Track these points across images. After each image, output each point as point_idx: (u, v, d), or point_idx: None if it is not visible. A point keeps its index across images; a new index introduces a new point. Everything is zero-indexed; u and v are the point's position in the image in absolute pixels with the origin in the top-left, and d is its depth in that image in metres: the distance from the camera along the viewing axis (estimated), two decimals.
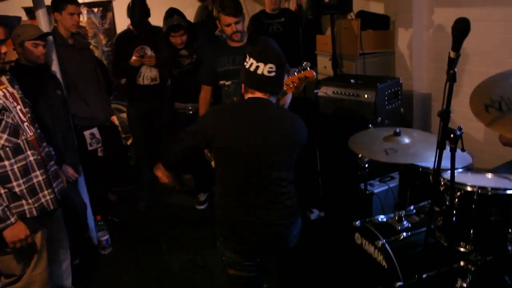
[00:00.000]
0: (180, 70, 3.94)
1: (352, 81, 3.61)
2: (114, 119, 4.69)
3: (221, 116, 2.13)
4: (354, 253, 2.56)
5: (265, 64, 2.06)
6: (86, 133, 3.61)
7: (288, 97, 3.06)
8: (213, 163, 2.39)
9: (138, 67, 3.97)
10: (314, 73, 2.81)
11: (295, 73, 2.83)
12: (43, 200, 2.32)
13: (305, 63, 2.82)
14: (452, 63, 1.71)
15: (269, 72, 2.06)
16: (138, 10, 3.84)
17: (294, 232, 2.18)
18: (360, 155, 2.69)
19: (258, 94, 2.12)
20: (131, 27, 4.05)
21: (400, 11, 4.16)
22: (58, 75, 3.29)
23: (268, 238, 2.11)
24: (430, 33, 3.99)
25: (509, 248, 2.10)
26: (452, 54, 1.70)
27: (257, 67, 2.06)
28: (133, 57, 3.88)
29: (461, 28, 1.66)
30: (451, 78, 1.71)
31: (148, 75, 4.02)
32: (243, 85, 2.17)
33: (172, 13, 3.82)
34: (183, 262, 3.47)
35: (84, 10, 6.23)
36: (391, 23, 4.34)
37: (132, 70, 3.98)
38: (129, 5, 3.96)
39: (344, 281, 2.86)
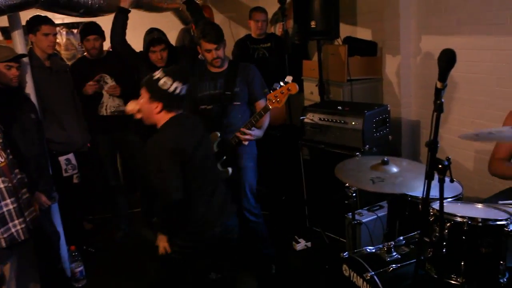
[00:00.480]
0: None
1: (339, 107, 3.65)
2: None
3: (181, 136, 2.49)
4: (341, 285, 2.53)
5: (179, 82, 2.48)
6: (61, 159, 3.59)
7: (266, 118, 3.11)
8: None
9: (100, 97, 3.91)
10: (297, 86, 2.88)
11: (278, 88, 2.89)
12: (13, 230, 2.28)
13: (287, 77, 2.90)
14: (438, 93, 1.75)
15: (180, 90, 2.48)
16: (120, 28, 3.81)
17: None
18: (347, 183, 2.69)
19: (178, 112, 2.53)
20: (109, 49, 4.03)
21: (387, 38, 4.26)
22: (33, 98, 3.27)
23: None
24: (417, 60, 4.09)
25: (501, 280, 2.10)
26: (439, 85, 1.74)
27: (176, 87, 2.45)
28: (87, 85, 3.78)
29: (447, 59, 1.71)
30: (438, 108, 1.74)
31: (110, 104, 3.96)
32: (160, 107, 2.46)
33: (152, 30, 3.85)
34: None
35: (63, 31, 6.22)
36: (379, 49, 4.44)
37: (92, 99, 3.90)
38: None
39: None
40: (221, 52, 3.16)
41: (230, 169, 3.18)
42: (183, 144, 2.44)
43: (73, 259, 3.54)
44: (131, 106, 2.69)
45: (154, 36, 3.76)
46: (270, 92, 2.95)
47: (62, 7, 3.24)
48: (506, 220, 2.06)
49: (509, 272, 2.13)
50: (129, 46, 3.77)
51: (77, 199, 3.93)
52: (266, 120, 3.20)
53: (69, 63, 5.99)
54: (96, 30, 3.92)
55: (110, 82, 3.95)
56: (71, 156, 3.65)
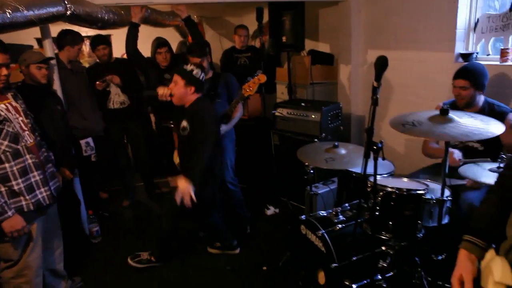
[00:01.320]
0: None
1: (303, 104, 3.67)
2: None
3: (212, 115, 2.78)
4: (300, 241, 2.56)
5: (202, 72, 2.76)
6: (82, 142, 3.52)
7: (239, 110, 3.20)
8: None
9: (108, 93, 3.83)
10: (265, 76, 2.93)
11: (250, 79, 2.91)
12: (39, 196, 2.23)
13: (258, 71, 2.90)
14: (375, 90, 1.76)
15: (202, 77, 2.78)
16: (132, 39, 3.74)
17: None
18: (306, 163, 2.71)
19: (200, 94, 2.79)
20: (124, 56, 3.96)
21: (341, 51, 4.27)
22: (59, 93, 3.20)
23: None
24: (364, 69, 4.12)
25: (418, 235, 2.15)
26: (375, 84, 1.76)
27: (201, 75, 2.75)
28: (96, 83, 3.72)
29: (381, 64, 1.73)
30: (374, 102, 1.76)
31: (117, 100, 3.88)
32: (193, 89, 2.71)
33: (158, 37, 3.94)
34: None
35: (87, 42, 6.10)
36: (335, 60, 4.45)
37: (103, 96, 3.83)
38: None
39: (293, 263, 2.86)
40: (205, 63, 3.15)
41: None
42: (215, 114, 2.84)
43: (90, 221, 3.50)
44: (162, 91, 2.80)
45: (160, 41, 3.78)
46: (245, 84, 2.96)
47: (83, 21, 3.16)
48: (423, 190, 2.11)
49: (424, 229, 2.18)
50: (140, 53, 3.72)
51: (94, 174, 3.87)
52: (238, 113, 3.21)
53: None
54: (103, 41, 3.83)
55: (112, 84, 3.85)
56: (89, 139, 3.58)
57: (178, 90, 2.70)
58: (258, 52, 4.43)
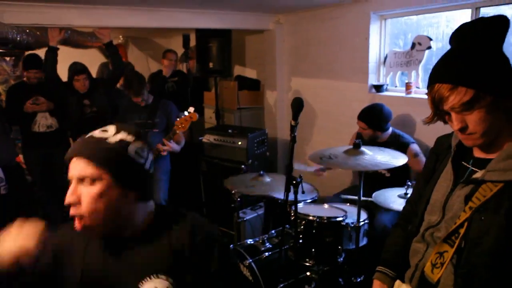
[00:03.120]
0: (83, 118, 3.69)
1: (230, 131, 3.72)
2: (20, 158, 4.19)
3: None
4: (228, 271, 2.56)
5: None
6: None
7: (182, 138, 3.09)
8: None
9: (33, 116, 3.55)
10: (197, 115, 2.95)
11: (182, 116, 2.91)
12: None
13: (190, 107, 2.92)
14: (293, 129, 1.85)
15: None
16: (50, 64, 3.52)
17: None
18: (233, 191, 2.75)
19: None
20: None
21: (267, 77, 4.44)
22: None
23: None
24: (289, 95, 4.30)
25: (339, 260, 2.29)
26: (293, 123, 1.85)
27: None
28: (27, 104, 3.46)
29: (296, 105, 1.83)
30: (293, 140, 1.85)
31: (43, 123, 3.62)
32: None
33: (75, 63, 3.64)
34: None
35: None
36: (261, 85, 4.59)
37: (26, 118, 3.55)
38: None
39: None
40: (145, 95, 3.15)
41: None
42: None
43: None
44: None
45: (77, 67, 3.55)
46: (177, 120, 2.95)
47: None
48: (342, 217, 2.26)
49: (345, 252, 2.33)
50: (59, 79, 3.52)
51: (5, 209, 3.51)
52: (182, 139, 3.18)
53: (1, 86, 5.43)
54: (37, 65, 3.51)
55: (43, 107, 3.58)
56: None
57: (98, 204, 1.05)
58: (185, 77, 4.43)
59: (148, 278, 1.07)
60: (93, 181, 1.04)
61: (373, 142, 2.81)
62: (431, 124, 1.15)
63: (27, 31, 3.29)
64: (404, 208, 1.47)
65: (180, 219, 1.15)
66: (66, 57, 3.77)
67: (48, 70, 3.37)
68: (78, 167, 1.06)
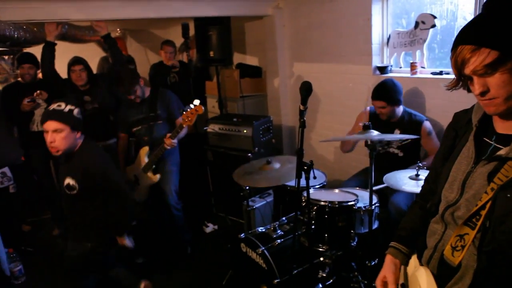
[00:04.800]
0: (84, 114, 3.61)
1: (235, 119, 3.68)
2: None
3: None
4: (241, 259, 2.56)
5: None
6: None
7: (184, 129, 3.05)
8: None
9: (31, 115, 3.53)
10: (203, 108, 2.88)
11: (188, 109, 2.86)
12: None
13: (195, 100, 2.87)
14: (302, 113, 1.82)
15: None
16: (47, 59, 3.47)
17: None
18: (243, 185, 2.72)
19: None
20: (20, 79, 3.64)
21: (269, 64, 4.38)
22: None
23: None
24: (292, 81, 4.26)
25: (352, 244, 2.27)
26: (301, 107, 1.81)
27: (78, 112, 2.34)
28: (25, 102, 3.42)
29: (305, 89, 1.79)
30: (302, 125, 1.81)
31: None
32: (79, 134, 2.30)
33: (73, 57, 3.54)
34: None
35: None
36: (263, 73, 4.54)
37: (24, 117, 3.52)
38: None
39: (235, 283, 2.85)
40: (138, 92, 3.07)
41: (158, 176, 3.13)
42: None
43: (11, 260, 3.16)
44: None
45: (74, 58, 3.47)
46: (183, 113, 2.90)
47: None
48: (354, 201, 2.24)
49: (357, 236, 2.31)
50: (57, 74, 3.45)
51: (14, 206, 3.50)
52: (183, 133, 3.13)
53: (1, 85, 5.38)
54: (30, 59, 3.50)
55: (41, 102, 3.55)
56: (6, 169, 3.26)
57: (64, 141, 2.20)
58: (186, 68, 4.38)
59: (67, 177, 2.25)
60: (60, 130, 2.14)
61: (386, 124, 2.76)
62: (455, 90, 1.11)
63: (24, 27, 3.24)
64: (422, 186, 1.45)
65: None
66: (65, 53, 3.71)
67: (46, 65, 3.31)
68: (52, 125, 2.15)
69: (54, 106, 2.17)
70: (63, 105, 2.18)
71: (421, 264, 1.28)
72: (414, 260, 1.35)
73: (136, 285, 2.71)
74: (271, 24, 4.18)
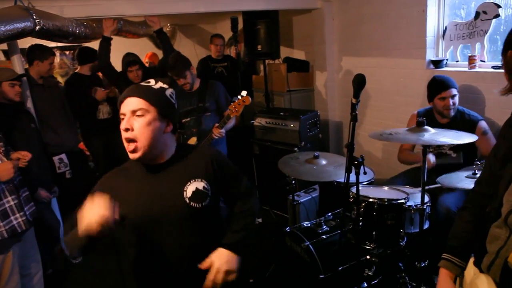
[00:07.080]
0: None
1: (281, 113, 3.67)
2: (82, 145, 4.43)
3: None
4: (285, 253, 2.56)
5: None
6: (55, 158, 3.39)
7: (232, 121, 3.08)
8: None
9: (96, 103, 3.79)
10: (250, 98, 2.89)
11: (235, 100, 2.88)
12: (14, 222, 2.13)
13: (242, 91, 2.88)
14: (353, 107, 1.77)
15: None
16: (104, 53, 3.65)
17: None
18: (288, 175, 2.71)
19: None
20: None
21: (317, 58, 4.31)
22: (32, 111, 3.08)
23: None
24: (340, 76, 4.17)
25: (401, 243, 2.19)
26: (354, 100, 1.77)
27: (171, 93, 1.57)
28: (98, 92, 3.70)
29: (358, 82, 1.74)
30: (354, 118, 1.77)
31: (105, 110, 3.85)
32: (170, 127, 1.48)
33: (128, 54, 3.79)
34: None
35: (57, 53, 5.94)
36: (311, 67, 4.48)
37: (90, 106, 3.79)
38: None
39: (278, 276, 2.86)
40: (189, 78, 3.09)
41: None
42: None
43: None
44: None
45: (130, 59, 3.67)
46: (231, 104, 2.94)
47: (53, 36, 3.05)
48: (404, 199, 2.16)
49: (407, 236, 2.22)
50: (113, 68, 3.63)
51: (70, 191, 3.73)
52: (231, 124, 3.16)
53: (62, 79, 5.75)
54: (92, 58, 3.77)
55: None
56: (63, 156, 3.46)
57: (146, 130, 1.36)
58: (235, 62, 4.42)
59: (189, 183, 1.44)
60: (143, 113, 1.36)
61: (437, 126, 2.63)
62: (509, 95, 1.04)
63: (85, 23, 3.41)
64: (472, 190, 1.35)
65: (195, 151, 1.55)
66: (119, 47, 3.90)
67: (103, 59, 3.51)
68: (132, 104, 1.37)
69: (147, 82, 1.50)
70: (152, 81, 1.46)
71: (481, 271, 1.21)
72: (471, 266, 1.27)
73: None
74: (320, 17, 4.11)
